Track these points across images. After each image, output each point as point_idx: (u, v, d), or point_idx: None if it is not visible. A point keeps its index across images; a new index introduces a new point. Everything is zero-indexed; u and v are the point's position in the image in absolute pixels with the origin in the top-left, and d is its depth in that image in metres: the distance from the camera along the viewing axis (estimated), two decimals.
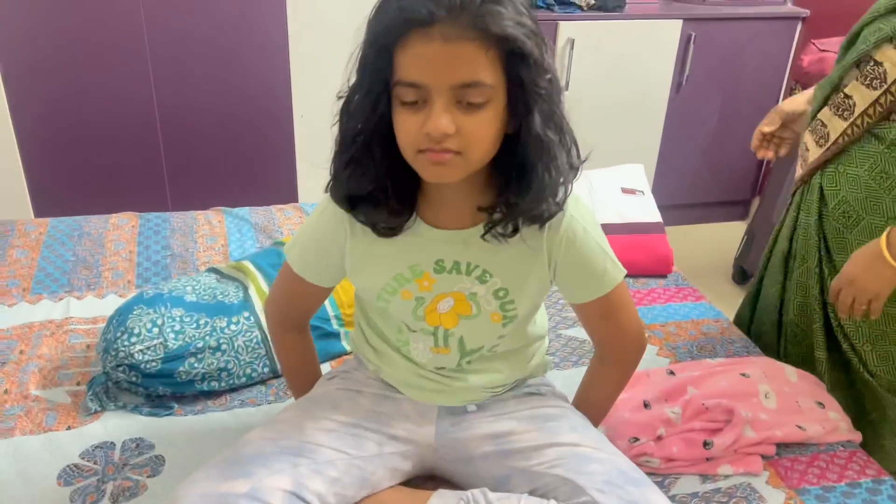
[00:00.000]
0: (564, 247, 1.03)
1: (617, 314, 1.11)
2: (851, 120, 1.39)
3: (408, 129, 0.89)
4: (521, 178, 0.94)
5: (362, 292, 1.12)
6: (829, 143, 1.44)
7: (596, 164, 2.04)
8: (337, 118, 0.96)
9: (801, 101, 1.59)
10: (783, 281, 1.59)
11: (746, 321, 1.74)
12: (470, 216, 1.02)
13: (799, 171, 1.56)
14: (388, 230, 1.01)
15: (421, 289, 1.05)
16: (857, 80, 1.38)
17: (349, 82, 0.93)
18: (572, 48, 2.89)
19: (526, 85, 0.88)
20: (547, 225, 1.00)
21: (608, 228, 1.09)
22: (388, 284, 1.05)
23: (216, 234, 1.97)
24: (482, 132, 0.89)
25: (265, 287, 1.47)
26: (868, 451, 1.35)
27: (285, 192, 2.84)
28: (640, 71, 3.02)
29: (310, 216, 1.11)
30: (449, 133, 0.86)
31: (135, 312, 1.36)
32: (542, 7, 2.88)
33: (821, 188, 1.47)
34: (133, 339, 1.32)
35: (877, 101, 1.34)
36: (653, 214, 1.96)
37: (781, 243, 1.60)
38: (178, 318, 1.37)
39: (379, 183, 0.96)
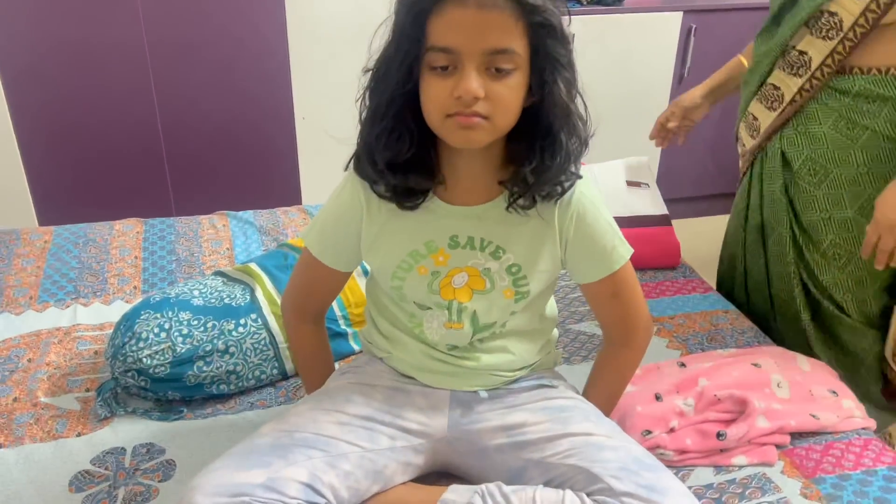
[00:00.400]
0: (575, 222, 1.05)
1: (625, 293, 1.12)
2: (809, 75, 1.42)
3: (437, 94, 0.92)
4: (544, 148, 0.97)
5: (378, 272, 1.13)
6: (785, 104, 1.46)
7: (599, 158, 2.03)
8: (365, 91, 0.98)
9: (696, 94, 1.78)
10: (764, 255, 1.61)
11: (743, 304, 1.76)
12: (484, 192, 1.04)
13: (751, 143, 1.58)
14: (412, 199, 1.02)
15: (436, 263, 1.07)
16: (810, 35, 1.40)
17: (373, 57, 0.96)
18: (573, 43, 2.87)
19: (552, 54, 0.93)
20: (558, 202, 1.03)
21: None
22: (404, 261, 1.07)
23: (221, 238, 1.96)
24: (509, 98, 0.93)
25: (272, 289, 1.47)
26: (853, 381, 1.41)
27: (289, 194, 2.84)
28: (642, 64, 3.00)
29: (327, 200, 1.13)
30: (479, 96, 0.90)
31: (142, 317, 1.36)
32: None
33: (781, 153, 1.49)
34: (141, 344, 1.32)
35: (834, 49, 1.37)
36: (659, 207, 1.95)
37: (754, 217, 1.61)
38: (185, 322, 1.36)
39: (418, 147, 0.98)
